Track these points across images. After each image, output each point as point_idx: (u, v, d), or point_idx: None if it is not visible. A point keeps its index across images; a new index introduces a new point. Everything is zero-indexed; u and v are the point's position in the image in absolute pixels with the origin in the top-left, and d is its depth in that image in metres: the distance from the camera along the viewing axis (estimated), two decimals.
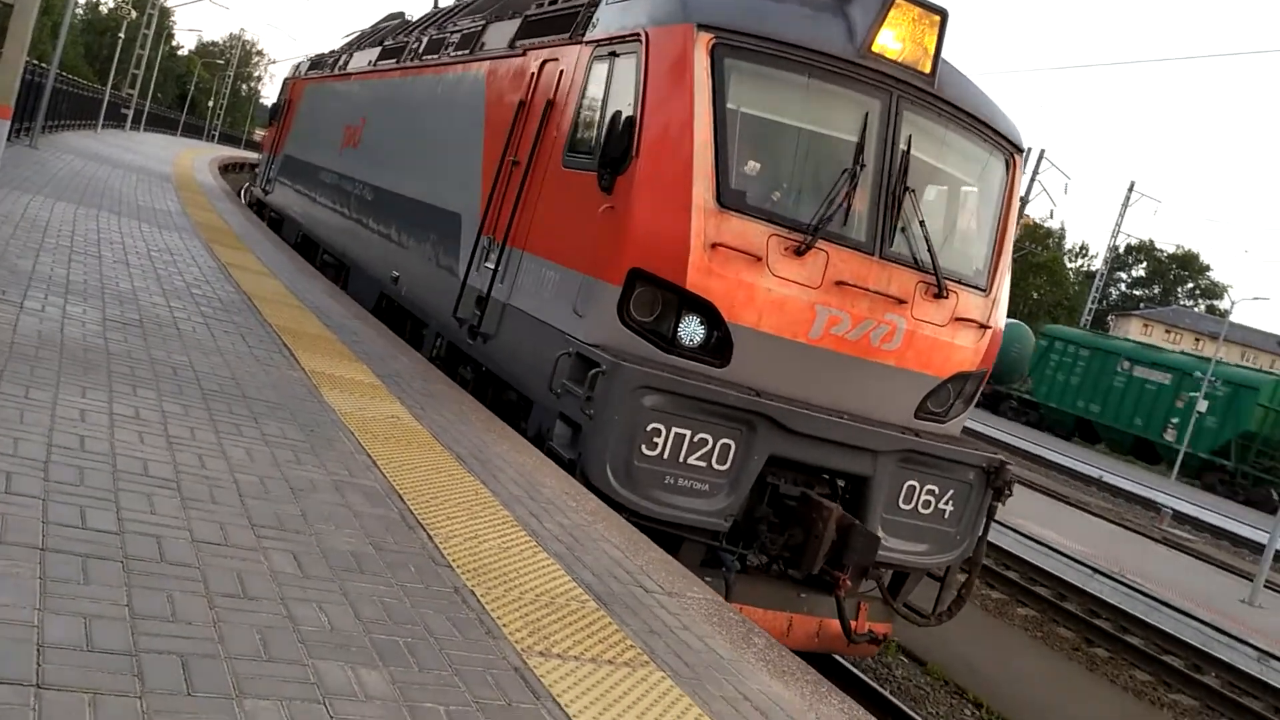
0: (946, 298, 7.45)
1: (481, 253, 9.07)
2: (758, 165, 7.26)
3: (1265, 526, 24.87)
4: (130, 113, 50.06)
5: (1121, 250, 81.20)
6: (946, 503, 7.60)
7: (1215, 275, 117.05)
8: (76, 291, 7.68)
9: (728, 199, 6.78)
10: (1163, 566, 18.09)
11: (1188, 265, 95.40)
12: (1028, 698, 10.71)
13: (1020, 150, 8.17)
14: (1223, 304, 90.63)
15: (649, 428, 6.47)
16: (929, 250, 7.36)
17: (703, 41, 6.94)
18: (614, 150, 6.96)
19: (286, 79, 26.17)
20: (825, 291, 6.98)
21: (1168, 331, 75.06)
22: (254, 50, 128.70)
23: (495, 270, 8.57)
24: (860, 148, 7.13)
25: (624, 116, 7.03)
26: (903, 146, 7.28)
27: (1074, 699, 11.11)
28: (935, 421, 7.81)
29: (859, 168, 7.09)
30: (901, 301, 7.25)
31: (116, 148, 31.33)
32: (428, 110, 12.25)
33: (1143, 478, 34.32)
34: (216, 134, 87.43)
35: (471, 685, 3.33)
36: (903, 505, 7.43)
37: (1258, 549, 21.83)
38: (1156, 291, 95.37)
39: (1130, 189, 54.25)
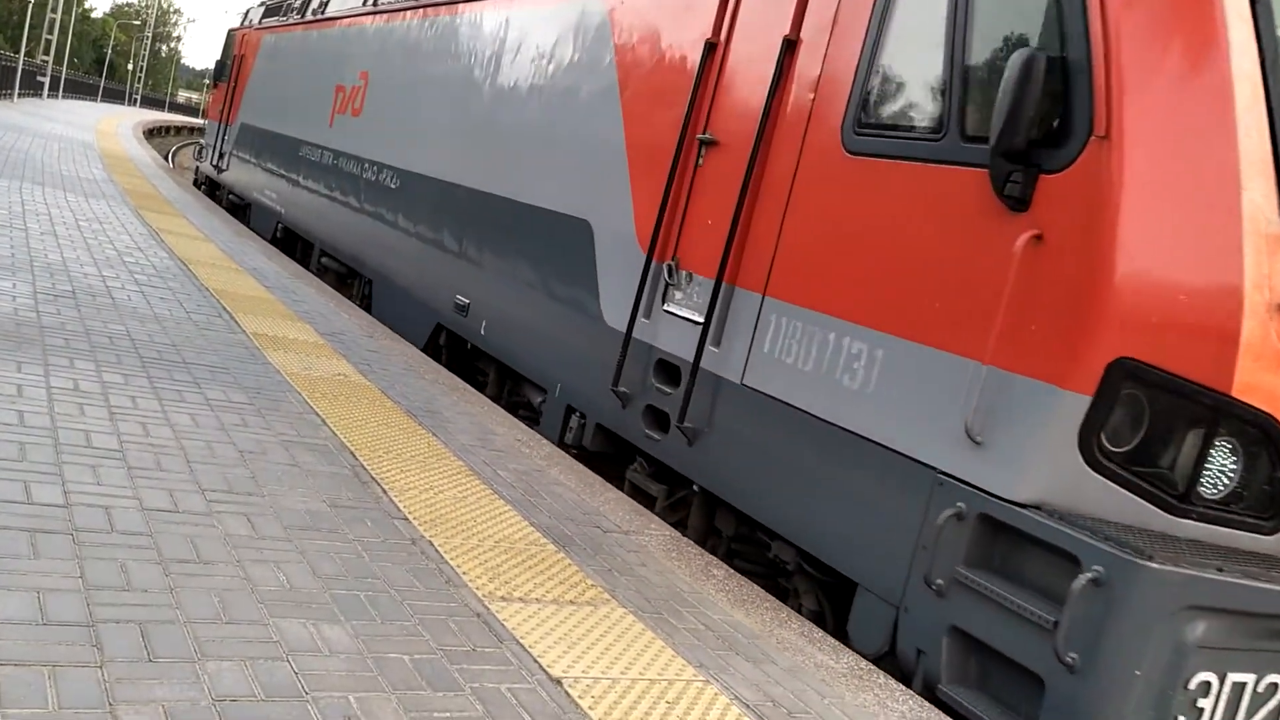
0: None
1: (655, 289, 5.79)
2: None
3: None
4: (47, 80, 48.45)
5: None
6: None
7: None
8: (4, 265, 7.47)
9: None
10: None
11: None
12: None
13: None
14: None
15: (1194, 682, 3.56)
16: None
17: None
18: (1030, 125, 3.81)
19: (232, 31, 21.18)
20: None
21: None
22: (171, 9, 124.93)
23: (707, 325, 5.27)
24: None
25: (1040, 60, 3.79)
26: None
27: None
28: None
29: None
30: None
31: (35, 117, 30.35)
32: (491, 64, 8.50)
33: None
34: (138, 98, 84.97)
35: (435, 633, 3.35)
36: None
37: None
38: None
39: None
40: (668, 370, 5.67)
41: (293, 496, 4.26)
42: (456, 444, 5.65)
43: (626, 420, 5.94)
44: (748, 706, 3.37)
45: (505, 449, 5.81)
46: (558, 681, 3.22)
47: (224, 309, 7.85)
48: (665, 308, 5.72)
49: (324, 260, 12.23)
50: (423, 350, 8.56)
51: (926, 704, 3.75)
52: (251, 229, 14.85)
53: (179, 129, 58.04)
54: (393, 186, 10.06)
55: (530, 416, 7.26)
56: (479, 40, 8.89)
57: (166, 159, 31.64)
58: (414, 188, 9.58)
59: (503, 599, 3.75)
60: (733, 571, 4.74)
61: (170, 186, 17.80)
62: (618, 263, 6.24)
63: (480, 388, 8.06)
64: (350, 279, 11.51)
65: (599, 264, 6.43)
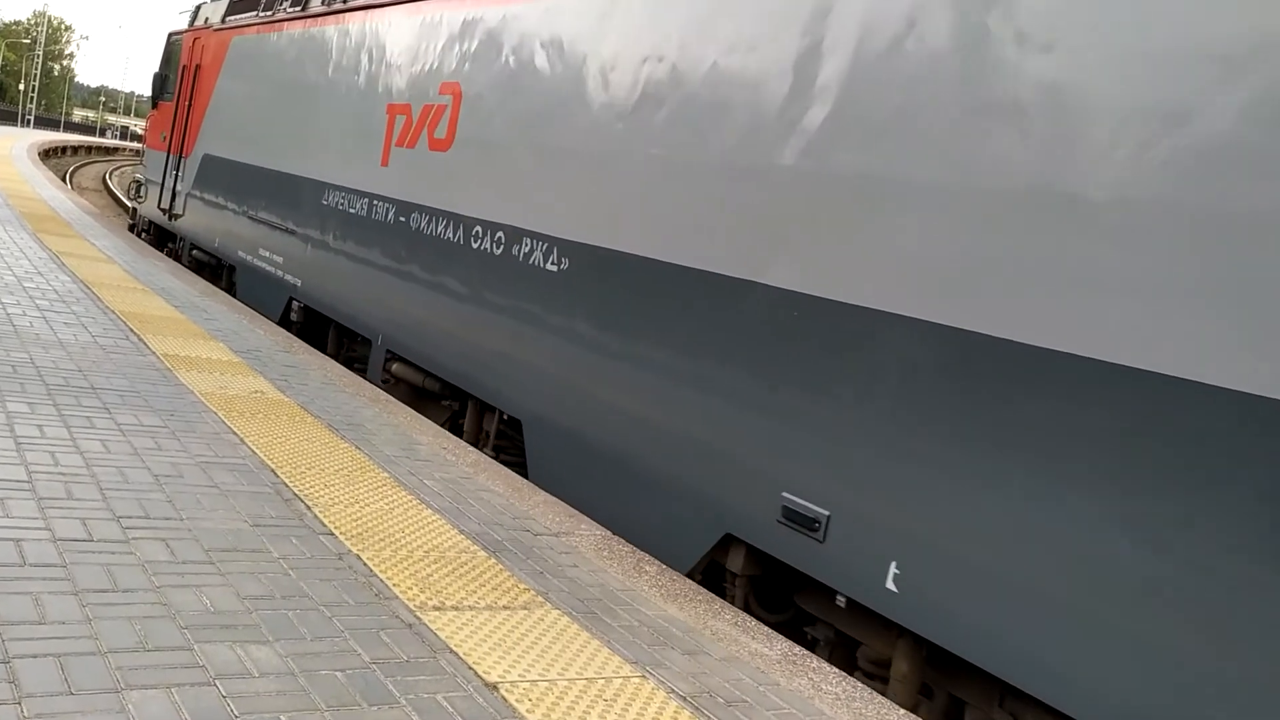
0: None
1: None
2: None
3: None
4: None
5: None
6: None
7: None
8: None
9: None
10: None
11: None
12: None
13: None
14: None
15: None
16: None
17: None
18: None
19: (176, 35, 16.41)
20: None
21: None
22: (63, 26, 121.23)
23: None
24: None
25: None
26: None
27: None
28: None
29: None
30: None
31: None
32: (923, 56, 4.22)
33: None
34: (31, 119, 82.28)
35: (367, 647, 3.30)
36: None
37: None
38: None
39: None
40: None
41: (213, 518, 4.17)
42: (381, 456, 5.58)
43: None
44: (685, 699, 3.38)
45: (431, 458, 5.75)
46: (494, 687, 3.20)
47: (131, 331, 7.64)
48: None
49: (395, 367, 8.19)
50: (688, 574, 4.94)
51: (860, 685, 3.81)
52: (241, 300, 11.13)
53: (75, 149, 56.41)
54: (553, 269, 6.21)
55: None
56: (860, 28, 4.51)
57: (64, 180, 30.68)
58: (620, 277, 5.67)
59: (435, 608, 3.71)
60: (665, 567, 4.75)
61: (69, 208, 17.27)
62: None
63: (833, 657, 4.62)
64: (449, 398, 7.71)
65: None
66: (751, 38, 5.06)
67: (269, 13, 12.21)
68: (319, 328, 10.07)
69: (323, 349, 9.52)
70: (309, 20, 10.90)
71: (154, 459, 4.77)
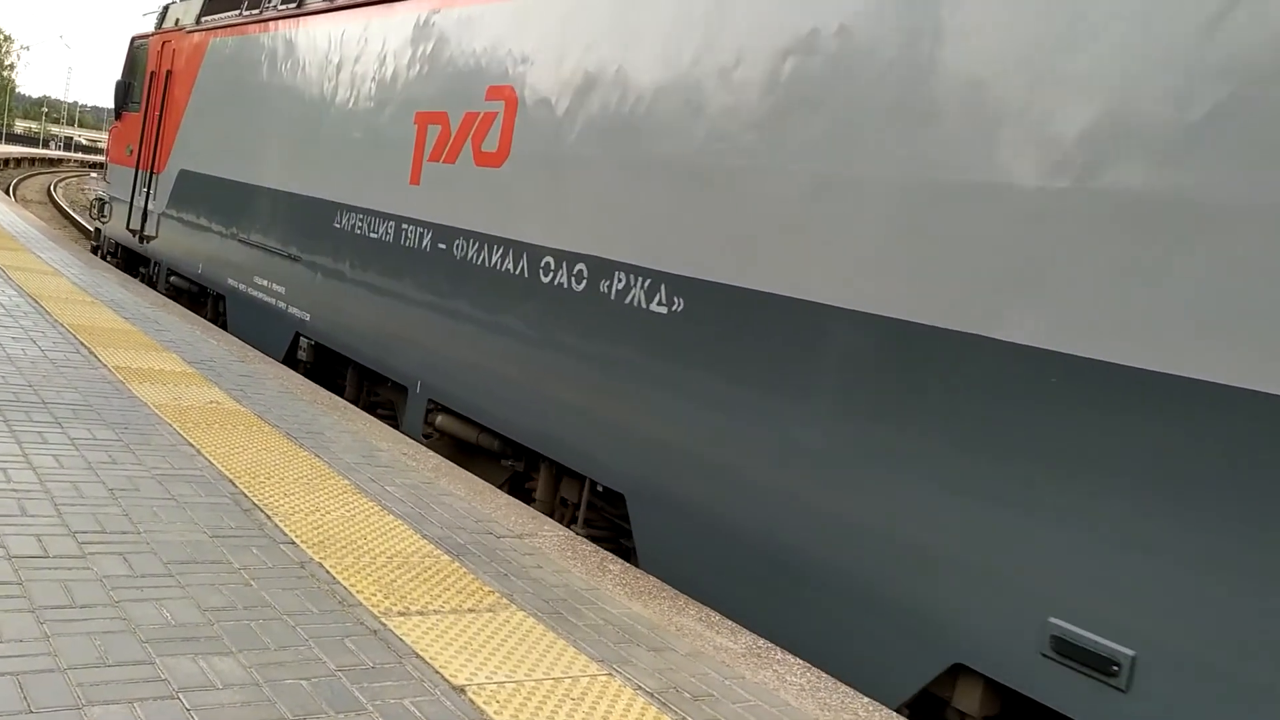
0: None
1: None
2: None
3: None
4: None
5: None
6: None
7: None
8: None
9: None
10: None
11: None
12: None
13: None
14: None
15: None
16: None
17: None
18: None
19: (142, 39, 14.78)
20: None
21: None
22: (3, 36, 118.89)
23: None
24: None
25: None
26: None
27: None
28: None
29: None
30: None
31: None
32: None
33: None
34: None
35: (332, 655, 3.29)
36: None
37: None
38: None
39: None
40: None
41: (171, 531, 4.13)
42: (341, 463, 5.55)
43: None
44: (652, 695, 3.40)
45: (391, 464, 5.73)
46: (461, 690, 3.20)
47: (82, 344, 7.53)
48: None
49: (440, 420, 6.96)
50: (896, 708, 3.86)
51: (824, 676, 3.85)
52: (234, 334, 10.08)
53: (19, 161, 55.43)
54: (661, 311, 5.08)
55: None
56: None
57: (7, 193, 30.13)
58: (780, 325, 4.48)
59: (399, 614, 3.70)
60: (629, 565, 4.77)
61: (13, 221, 16.96)
62: None
63: None
64: (510, 457, 6.49)
65: None
66: (964, 24, 3.85)
67: (255, 10, 10.71)
68: (334, 368, 8.89)
69: (338, 392, 8.48)
70: (308, 18, 9.42)
71: (109, 473, 4.71)
